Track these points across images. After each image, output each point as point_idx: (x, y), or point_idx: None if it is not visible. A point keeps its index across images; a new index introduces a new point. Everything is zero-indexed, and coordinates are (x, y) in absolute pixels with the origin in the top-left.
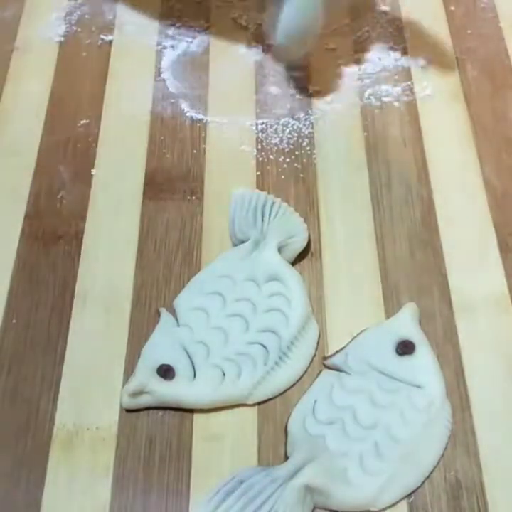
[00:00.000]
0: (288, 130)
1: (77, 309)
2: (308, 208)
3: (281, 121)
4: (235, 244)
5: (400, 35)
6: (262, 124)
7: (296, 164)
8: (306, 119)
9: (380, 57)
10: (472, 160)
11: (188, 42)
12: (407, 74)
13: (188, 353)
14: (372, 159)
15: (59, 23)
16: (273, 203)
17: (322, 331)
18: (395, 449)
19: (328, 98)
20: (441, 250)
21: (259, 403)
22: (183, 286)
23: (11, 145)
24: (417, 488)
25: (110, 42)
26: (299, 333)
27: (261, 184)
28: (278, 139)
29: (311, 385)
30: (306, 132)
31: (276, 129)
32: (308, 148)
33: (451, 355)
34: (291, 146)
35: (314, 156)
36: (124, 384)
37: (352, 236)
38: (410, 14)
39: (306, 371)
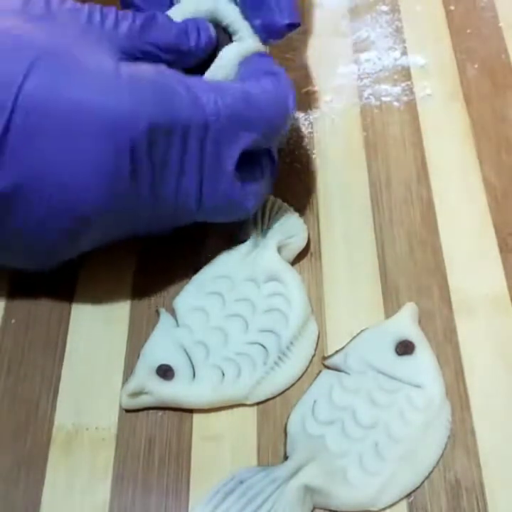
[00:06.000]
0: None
1: (76, 309)
2: (308, 207)
3: None
4: (234, 244)
5: (400, 35)
6: None
7: (295, 164)
8: (305, 119)
9: (379, 57)
10: (472, 160)
11: None
12: (406, 74)
13: (187, 353)
14: (372, 159)
15: None
16: (272, 202)
17: (322, 331)
18: (394, 449)
19: (328, 98)
20: (441, 250)
21: (258, 403)
22: (183, 287)
23: None
24: (417, 488)
25: None
26: (298, 333)
27: None
28: None
29: (310, 385)
30: (306, 132)
31: None
32: (308, 147)
33: (451, 355)
34: (291, 146)
35: (314, 156)
36: (123, 384)
37: (351, 236)
38: (410, 14)
39: (305, 371)
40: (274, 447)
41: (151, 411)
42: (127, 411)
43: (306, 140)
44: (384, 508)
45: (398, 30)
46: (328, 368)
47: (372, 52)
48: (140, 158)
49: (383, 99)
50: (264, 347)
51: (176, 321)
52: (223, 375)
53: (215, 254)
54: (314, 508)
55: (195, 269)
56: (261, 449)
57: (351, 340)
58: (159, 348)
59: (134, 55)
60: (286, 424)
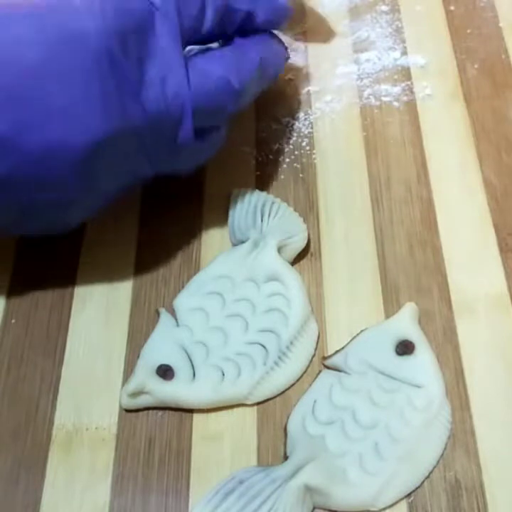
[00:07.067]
0: (288, 130)
1: (76, 309)
2: (308, 207)
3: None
4: (234, 244)
5: (400, 35)
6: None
7: (295, 164)
8: (305, 119)
9: (379, 57)
10: (472, 160)
11: None
12: (406, 74)
13: (187, 353)
14: (372, 159)
15: None
16: (272, 202)
17: (322, 331)
18: (394, 449)
19: (328, 98)
20: (441, 250)
21: (258, 403)
22: (183, 287)
23: None
24: (417, 488)
25: None
26: (298, 333)
27: (261, 184)
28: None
29: (310, 385)
30: (306, 132)
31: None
32: (307, 148)
33: (451, 355)
34: (291, 146)
35: (314, 156)
36: (123, 384)
37: (351, 236)
38: (410, 14)
39: (305, 371)
40: (274, 447)
41: (151, 411)
42: (127, 411)
43: (306, 140)
44: (384, 508)
45: (398, 30)
46: (328, 368)
47: (372, 52)
48: (117, 60)
49: (383, 99)
50: (264, 347)
51: (176, 321)
52: (223, 375)
53: (214, 254)
54: (314, 508)
55: (195, 269)
56: (261, 449)
57: (351, 340)
58: (159, 348)
59: None
60: (286, 424)
